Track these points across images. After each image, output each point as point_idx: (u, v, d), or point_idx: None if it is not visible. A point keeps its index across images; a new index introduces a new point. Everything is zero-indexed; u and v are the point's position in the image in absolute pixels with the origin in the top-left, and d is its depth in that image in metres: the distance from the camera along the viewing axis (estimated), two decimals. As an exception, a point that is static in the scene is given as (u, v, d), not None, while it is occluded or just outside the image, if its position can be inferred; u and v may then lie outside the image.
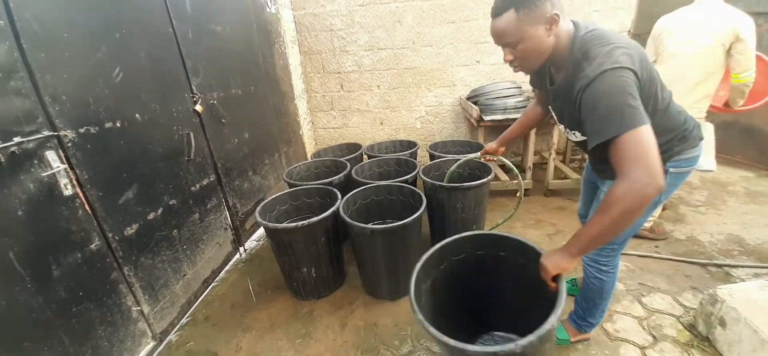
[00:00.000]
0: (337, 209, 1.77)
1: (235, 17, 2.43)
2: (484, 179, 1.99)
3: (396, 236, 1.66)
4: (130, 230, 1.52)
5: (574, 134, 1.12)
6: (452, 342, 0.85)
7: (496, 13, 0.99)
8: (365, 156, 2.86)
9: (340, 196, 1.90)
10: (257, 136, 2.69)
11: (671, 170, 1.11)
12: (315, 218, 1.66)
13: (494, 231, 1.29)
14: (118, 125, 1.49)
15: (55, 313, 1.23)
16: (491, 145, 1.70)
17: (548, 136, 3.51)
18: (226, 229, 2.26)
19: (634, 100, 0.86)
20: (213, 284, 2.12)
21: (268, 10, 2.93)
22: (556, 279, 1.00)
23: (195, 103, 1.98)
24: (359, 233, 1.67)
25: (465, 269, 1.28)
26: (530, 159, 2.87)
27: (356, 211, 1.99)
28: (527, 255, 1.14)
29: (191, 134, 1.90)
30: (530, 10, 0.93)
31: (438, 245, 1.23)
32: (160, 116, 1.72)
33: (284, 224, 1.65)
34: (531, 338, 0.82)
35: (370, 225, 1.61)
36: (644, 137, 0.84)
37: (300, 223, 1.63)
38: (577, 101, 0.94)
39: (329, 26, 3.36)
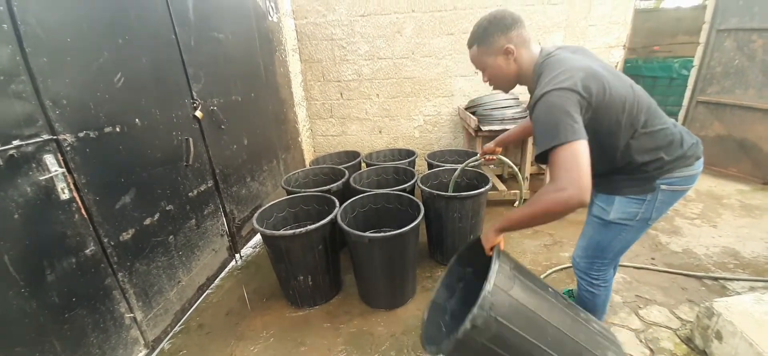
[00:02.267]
0: (335, 217, 1.77)
1: (237, 25, 2.46)
2: (482, 189, 2.00)
3: (394, 245, 1.66)
4: (125, 236, 1.51)
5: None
6: None
7: (468, 46, 1.23)
8: (364, 164, 2.86)
9: (338, 204, 1.90)
10: (256, 142, 2.70)
11: (662, 186, 1.11)
12: (313, 226, 1.66)
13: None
14: (118, 129, 1.49)
15: (47, 319, 1.21)
16: (489, 145, 1.72)
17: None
18: (222, 235, 2.25)
19: (571, 117, 0.93)
20: (208, 291, 2.10)
21: (269, 18, 2.97)
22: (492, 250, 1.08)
23: (195, 109, 1.99)
24: (357, 242, 1.67)
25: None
26: (528, 169, 2.89)
27: (354, 219, 1.99)
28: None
29: (190, 139, 1.91)
30: (487, 45, 1.15)
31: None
32: (160, 121, 1.73)
33: (282, 232, 1.64)
34: (474, 310, 0.86)
35: (367, 233, 1.61)
36: (576, 151, 0.90)
37: (298, 230, 1.62)
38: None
39: (330, 35, 3.40)
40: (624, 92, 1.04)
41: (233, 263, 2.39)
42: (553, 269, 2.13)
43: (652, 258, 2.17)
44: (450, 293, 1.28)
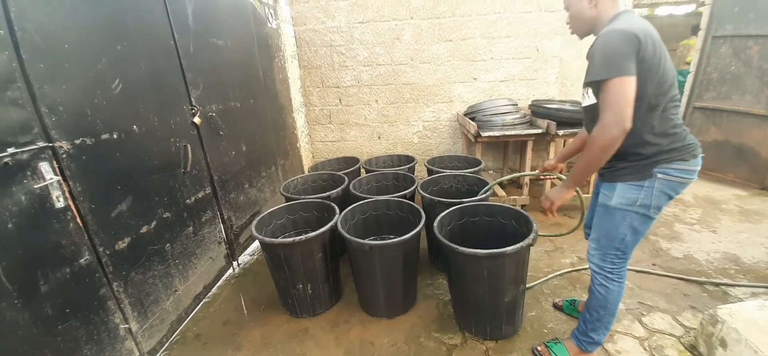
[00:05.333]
0: (335, 224, 1.75)
1: (236, 32, 2.45)
2: (484, 194, 1.99)
3: (395, 253, 1.64)
4: (121, 244, 1.48)
5: (586, 92, 1.24)
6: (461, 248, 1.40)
7: None
8: (363, 170, 2.86)
9: (337, 210, 1.88)
10: (255, 148, 2.68)
11: (659, 175, 1.18)
12: (312, 233, 1.64)
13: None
14: (115, 136, 1.47)
15: (40, 330, 1.17)
16: (550, 162, 1.74)
17: (544, 151, 3.56)
18: (219, 243, 2.22)
19: (627, 55, 1.04)
20: (205, 299, 2.06)
21: (269, 25, 2.97)
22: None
23: (193, 115, 1.97)
24: (357, 249, 1.65)
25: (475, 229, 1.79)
26: (526, 176, 2.89)
27: (354, 226, 1.97)
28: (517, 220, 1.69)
29: (188, 146, 1.89)
30: None
31: (460, 206, 1.83)
32: (158, 127, 1.71)
33: (280, 239, 1.62)
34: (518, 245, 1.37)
35: (368, 241, 1.59)
36: (625, 86, 1.05)
37: (297, 238, 1.60)
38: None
39: (329, 42, 3.41)
40: (667, 65, 1.12)
41: (231, 270, 2.36)
42: (554, 274, 2.11)
43: (653, 264, 2.16)
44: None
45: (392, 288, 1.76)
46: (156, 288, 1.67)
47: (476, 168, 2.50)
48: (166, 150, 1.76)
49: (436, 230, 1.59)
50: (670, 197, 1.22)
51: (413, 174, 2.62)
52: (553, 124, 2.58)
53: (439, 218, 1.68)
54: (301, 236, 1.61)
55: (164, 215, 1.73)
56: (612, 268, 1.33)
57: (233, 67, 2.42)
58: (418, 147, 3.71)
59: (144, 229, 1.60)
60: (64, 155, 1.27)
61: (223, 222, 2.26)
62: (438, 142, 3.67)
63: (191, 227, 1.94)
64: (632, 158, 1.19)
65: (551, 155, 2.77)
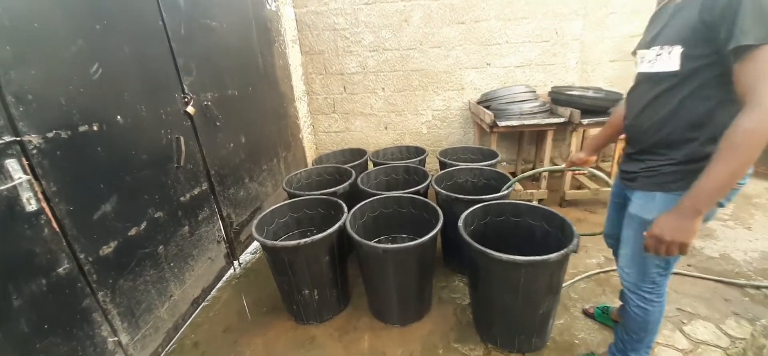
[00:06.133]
0: (344, 224, 1.59)
1: (232, 13, 2.25)
2: (505, 191, 1.82)
3: (411, 257, 1.48)
4: (106, 249, 1.33)
5: (662, 51, 0.95)
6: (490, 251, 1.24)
7: None
8: (371, 163, 2.68)
9: (345, 208, 1.72)
10: (255, 140, 2.51)
11: None
12: (319, 236, 1.48)
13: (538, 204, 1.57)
14: (96, 128, 1.30)
15: (15, 349, 1.03)
16: (579, 155, 1.49)
17: (562, 142, 3.36)
18: (219, 242, 2.07)
19: None
20: (204, 303, 1.93)
21: (268, 6, 2.76)
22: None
23: (186, 104, 1.80)
24: (369, 253, 1.49)
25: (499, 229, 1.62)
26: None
27: (363, 225, 1.81)
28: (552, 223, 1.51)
29: (181, 138, 1.72)
30: None
31: (484, 204, 1.65)
32: (146, 118, 1.54)
33: (284, 243, 1.46)
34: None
35: (381, 244, 1.43)
36: None
37: (302, 241, 1.44)
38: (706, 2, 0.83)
39: (332, 25, 3.19)
40: None
41: (232, 271, 2.22)
42: (580, 276, 1.95)
43: (689, 265, 1.99)
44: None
45: (406, 294, 1.60)
46: (148, 295, 1.52)
47: (493, 161, 2.32)
48: (156, 143, 1.59)
49: (461, 231, 1.42)
50: (721, 205, 1.00)
51: (424, 167, 2.44)
52: (577, 112, 2.38)
53: (462, 217, 1.51)
54: (307, 239, 1.45)
55: (156, 215, 1.57)
56: (652, 287, 1.14)
57: (230, 53, 2.23)
58: (428, 138, 3.52)
59: (132, 231, 1.44)
60: (34, 151, 1.10)
61: (222, 220, 2.10)
62: (448, 132, 3.48)
63: (187, 227, 1.79)
64: (694, 158, 0.94)
65: (572, 145, 2.58)
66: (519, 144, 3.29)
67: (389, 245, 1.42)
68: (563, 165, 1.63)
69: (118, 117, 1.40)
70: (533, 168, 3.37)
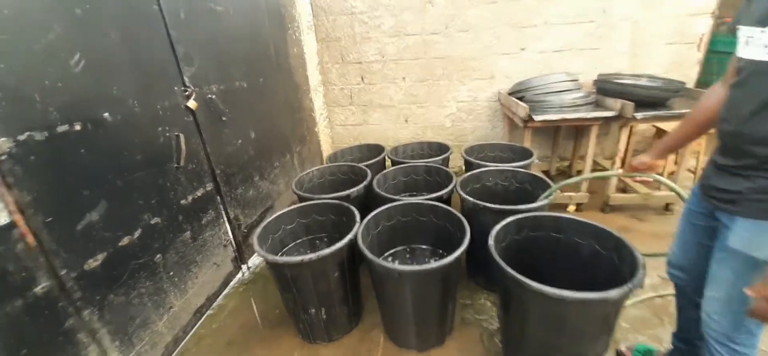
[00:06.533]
0: (355, 236, 1.39)
1: (239, -4, 2.07)
2: (544, 201, 1.54)
3: (431, 280, 1.26)
4: (93, 263, 1.20)
5: None
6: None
7: None
8: (388, 161, 2.45)
9: (358, 217, 1.52)
10: (266, 135, 2.35)
11: None
12: (326, 251, 1.28)
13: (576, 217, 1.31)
14: (79, 127, 1.16)
15: (-20, 382, 0.92)
16: (642, 158, 1.20)
17: (604, 138, 2.98)
18: (225, 246, 1.94)
19: None
20: (209, 311, 1.81)
21: (279, -11, 2.56)
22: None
23: (187, 98, 1.64)
24: (383, 274, 1.28)
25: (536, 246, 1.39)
26: (588, 167, 2.36)
27: (378, 236, 1.60)
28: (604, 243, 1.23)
29: (181, 136, 1.57)
30: None
31: (519, 217, 1.39)
32: (139, 114, 1.39)
33: (286, 259, 1.28)
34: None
35: (397, 265, 1.21)
36: None
37: (306, 257, 1.25)
38: None
39: (350, 9, 2.94)
40: None
41: (240, 275, 2.09)
42: (630, 301, 1.66)
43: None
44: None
45: (426, 318, 1.39)
46: (144, 309, 1.40)
47: (527, 161, 2.02)
48: (151, 142, 1.45)
49: (492, 252, 1.18)
50: None
51: (448, 167, 2.19)
52: (629, 104, 2.03)
53: (494, 233, 1.27)
54: (312, 255, 1.26)
55: (152, 221, 1.44)
56: (746, 338, 0.89)
57: (238, 40, 2.06)
58: (451, 132, 3.24)
59: (124, 241, 1.31)
60: (3, 157, 0.97)
61: (229, 222, 1.97)
62: (474, 126, 3.18)
63: (189, 232, 1.66)
64: None
65: (621, 143, 2.22)
66: (554, 139, 2.94)
67: (406, 268, 1.21)
68: (619, 170, 1.33)
69: (106, 114, 1.25)
70: (570, 167, 3.01)
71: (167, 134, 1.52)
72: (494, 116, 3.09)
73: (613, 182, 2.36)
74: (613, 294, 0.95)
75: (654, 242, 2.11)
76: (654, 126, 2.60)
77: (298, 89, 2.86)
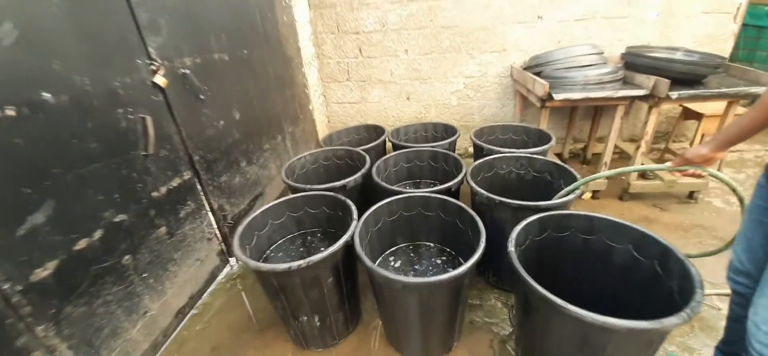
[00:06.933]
0: (352, 237, 1.20)
1: (215, -49, 1.77)
2: (570, 196, 1.34)
3: (440, 291, 1.08)
4: (42, 273, 1.02)
5: None
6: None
7: None
8: (389, 143, 2.23)
9: (355, 213, 1.33)
10: (253, 115, 2.11)
11: None
12: (318, 257, 1.10)
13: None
14: (11, 113, 0.94)
15: None
16: (699, 150, 1.01)
17: (627, 118, 2.75)
18: (209, 239, 1.76)
19: None
20: (192, 311, 1.66)
21: (265, -55, 2.23)
22: None
23: (154, 73, 1.40)
24: (384, 284, 1.11)
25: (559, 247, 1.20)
26: (609, 151, 2.15)
27: (378, 233, 1.42)
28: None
29: (148, 118, 1.35)
30: None
31: (541, 216, 1.19)
32: (92, 94, 1.16)
33: (271, 267, 1.10)
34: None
35: (402, 278, 1.03)
36: None
37: (295, 265, 1.07)
38: None
39: (345, -30, 2.62)
40: None
41: (228, 269, 1.93)
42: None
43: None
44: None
45: (432, 328, 1.24)
46: (113, 318, 1.24)
47: (545, 147, 1.81)
48: (110, 126, 1.23)
49: (514, 261, 1.00)
50: None
51: (455, 152, 1.98)
52: (664, 82, 1.79)
53: (514, 237, 1.08)
54: (301, 263, 1.08)
55: (116, 219, 1.25)
56: None
57: (216, 5, 1.78)
58: (457, 111, 2.99)
59: (81, 244, 1.13)
60: None
61: (213, 213, 1.78)
62: (482, 104, 2.92)
63: (164, 227, 1.47)
64: None
65: (650, 125, 1.99)
66: (570, 120, 2.71)
67: (411, 280, 1.03)
68: (668, 164, 1.13)
69: (46, 95, 1.03)
70: (585, 150, 2.79)
71: (130, 117, 1.30)
72: (504, 93, 2.83)
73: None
74: (668, 323, 0.77)
75: (679, 235, 1.94)
76: (682, 106, 2.36)
77: (290, 62, 2.59)
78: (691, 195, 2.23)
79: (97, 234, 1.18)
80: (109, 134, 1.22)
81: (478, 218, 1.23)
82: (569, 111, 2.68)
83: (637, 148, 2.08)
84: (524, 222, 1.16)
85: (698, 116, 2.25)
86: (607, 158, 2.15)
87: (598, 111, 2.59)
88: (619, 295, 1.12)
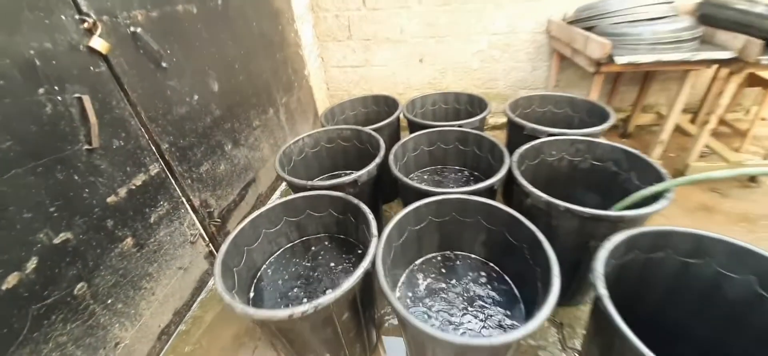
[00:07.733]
0: (372, 263, 0.89)
1: None
2: (664, 202, 1.01)
3: (500, 352, 0.80)
4: (-64, 337, 0.72)
5: None
6: None
7: None
8: (404, 119, 1.84)
9: (373, 226, 1.01)
10: (236, 85, 1.72)
11: None
12: (328, 298, 0.80)
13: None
14: None
15: None
16: None
17: (669, 83, 2.37)
18: (193, 243, 1.46)
19: None
20: (180, 327, 1.40)
21: None
22: None
23: (89, 33, 1.01)
24: (427, 340, 0.82)
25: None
26: (669, 129, 1.79)
27: (402, 246, 1.11)
28: None
29: (85, 98, 0.98)
30: None
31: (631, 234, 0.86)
32: (-13, 69, 0.78)
33: (266, 314, 0.80)
34: None
35: (454, 338, 0.74)
36: None
37: (298, 311, 0.78)
38: None
39: None
40: None
41: (219, 271, 1.65)
42: None
43: None
44: None
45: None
46: (67, 363, 0.97)
47: (601, 126, 1.44)
48: (29, 115, 0.87)
49: (609, 309, 0.71)
50: None
51: (485, 132, 1.62)
52: (757, 43, 1.40)
53: (599, 266, 0.79)
54: (306, 307, 0.78)
55: (56, 240, 0.93)
56: None
57: (174, -65, 1.32)
58: (478, 76, 2.57)
59: (10, 280, 0.82)
60: None
61: (195, 211, 1.46)
62: (509, 67, 2.50)
63: (130, 239, 1.16)
64: None
65: (725, 96, 1.62)
66: (613, 85, 2.31)
67: (468, 342, 0.73)
68: None
69: None
70: (627, 122, 2.42)
71: (59, 99, 0.93)
72: (537, 54, 2.40)
73: (699, 146, 1.81)
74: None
75: (744, 228, 1.66)
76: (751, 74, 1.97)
77: (278, 16, 2.13)
78: (753, 179, 1.92)
79: (31, 264, 0.87)
80: (28, 127, 0.86)
81: (540, 236, 0.92)
82: (614, 76, 2.28)
83: (704, 123, 1.73)
84: (611, 245, 0.85)
85: (765, 84, 1.88)
86: (665, 135, 1.80)
87: (647, 76, 2.20)
88: (727, 342, 0.86)
